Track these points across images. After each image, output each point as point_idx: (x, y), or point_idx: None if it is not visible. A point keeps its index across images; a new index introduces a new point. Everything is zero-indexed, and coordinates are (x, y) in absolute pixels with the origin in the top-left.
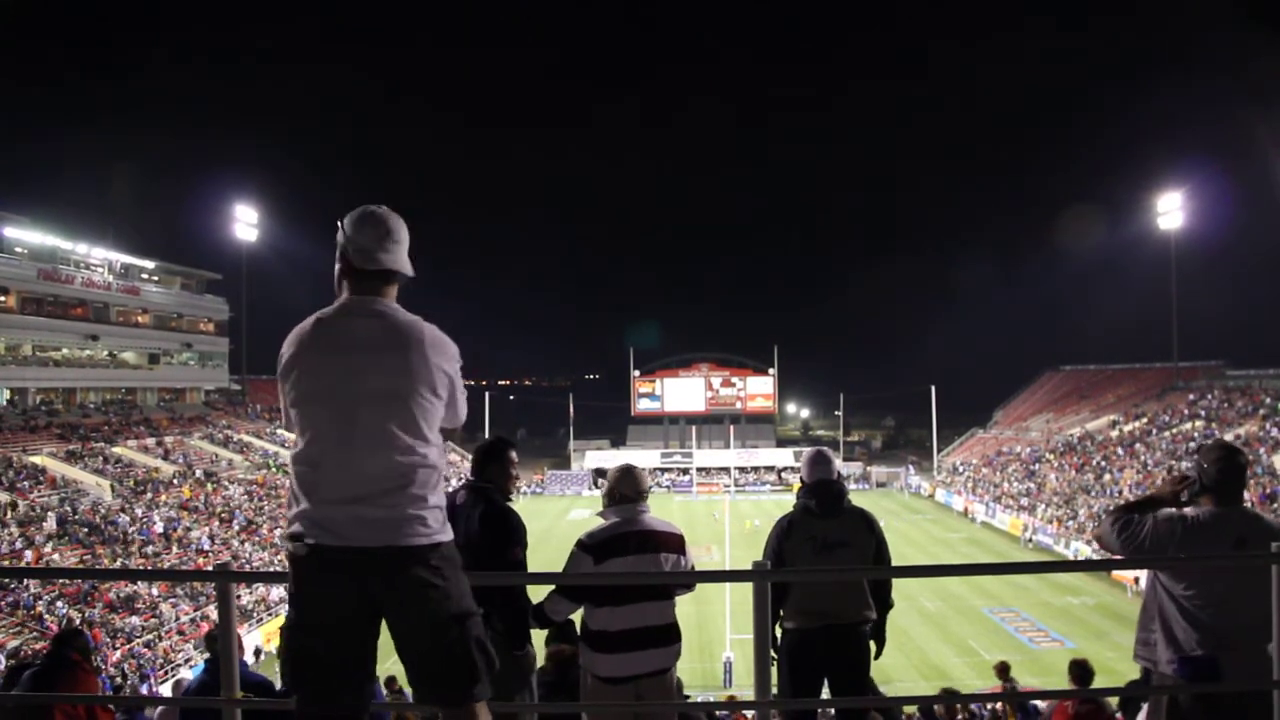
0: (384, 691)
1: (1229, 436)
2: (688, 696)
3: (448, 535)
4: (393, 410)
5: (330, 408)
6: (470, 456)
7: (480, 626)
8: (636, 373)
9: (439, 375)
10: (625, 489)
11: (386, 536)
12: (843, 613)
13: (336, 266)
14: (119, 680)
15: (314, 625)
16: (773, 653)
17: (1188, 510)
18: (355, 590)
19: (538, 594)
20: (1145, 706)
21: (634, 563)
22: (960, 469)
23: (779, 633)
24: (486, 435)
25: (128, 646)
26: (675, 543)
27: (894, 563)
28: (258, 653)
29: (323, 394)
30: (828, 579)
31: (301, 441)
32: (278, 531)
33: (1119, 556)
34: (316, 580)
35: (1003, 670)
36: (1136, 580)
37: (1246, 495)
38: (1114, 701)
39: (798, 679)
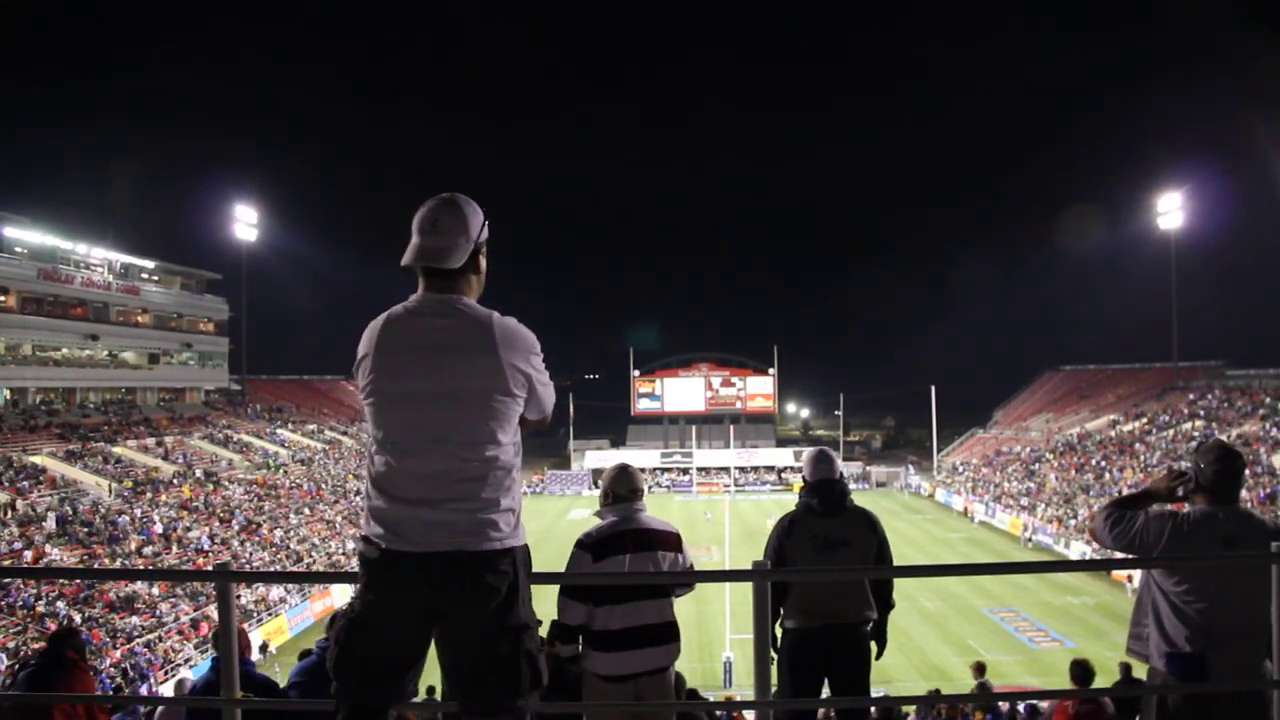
0: None
1: (1229, 436)
2: (696, 694)
3: (519, 539)
4: (464, 412)
5: (400, 408)
6: None
7: (535, 640)
8: (636, 373)
9: (513, 375)
10: (620, 488)
11: (459, 541)
12: (844, 612)
13: None
14: (119, 681)
15: (375, 624)
16: (773, 652)
17: (1180, 508)
18: (422, 595)
19: (539, 592)
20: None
21: (632, 561)
22: (960, 469)
23: (779, 632)
24: None
25: (128, 646)
26: (672, 541)
27: (894, 563)
28: (264, 648)
29: (392, 394)
30: (828, 579)
31: (375, 439)
32: (278, 532)
33: (1111, 550)
34: (384, 581)
35: (979, 669)
36: (1130, 578)
37: (1246, 495)
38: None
39: (798, 679)
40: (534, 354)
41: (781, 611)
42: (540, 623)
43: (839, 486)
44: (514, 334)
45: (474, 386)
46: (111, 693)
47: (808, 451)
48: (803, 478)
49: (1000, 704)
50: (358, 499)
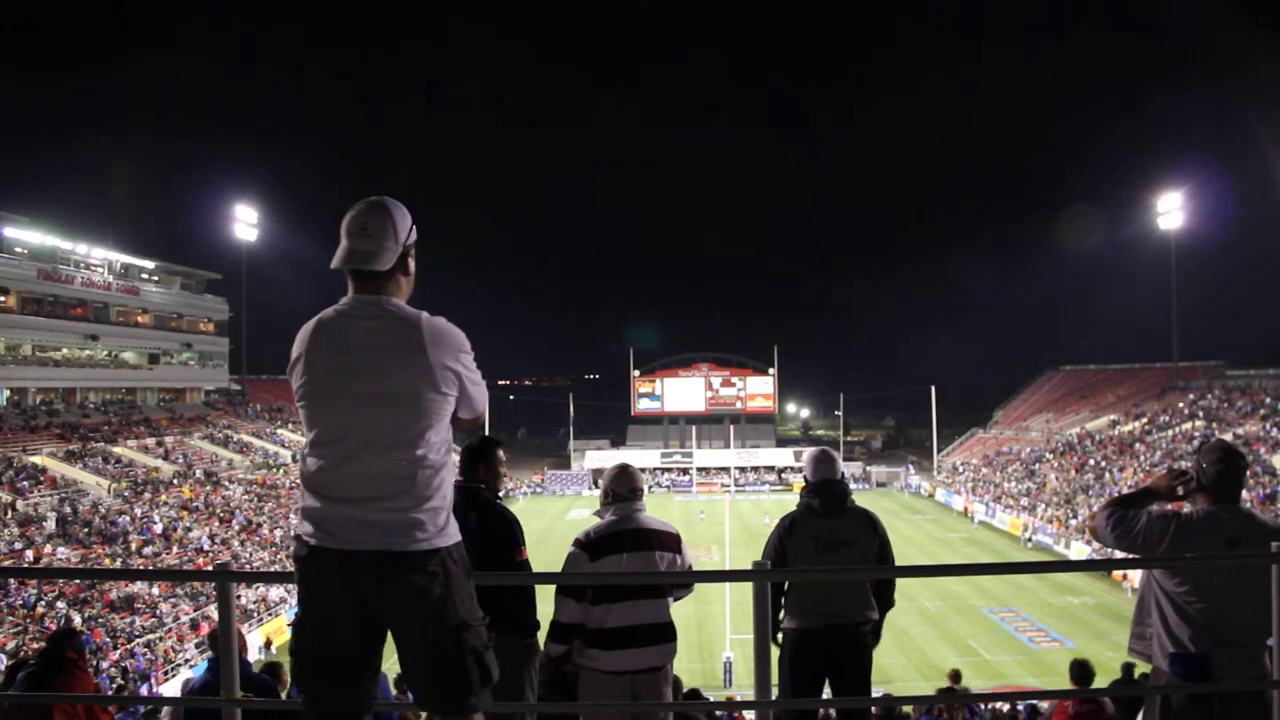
0: (393, 691)
1: (1229, 437)
2: (697, 694)
3: (450, 539)
4: (395, 412)
5: (331, 409)
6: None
7: (480, 637)
8: (636, 373)
9: (443, 374)
10: (619, 488)
11: (384, 540)
12: (845, 613)
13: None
14: (121, 681)
15: (316, 625)
16: (774, 643)
17: (1182, 508)
18: (353, 592)
19: (540, 591)
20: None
21: (629, 560)
22: (960, 469)
23: (782, 625)
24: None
25: (128, 646)
26: (671, 541)
27: (895, 563)
28: (269, 644)
29: (324, 395)
30: (828, 579)
31: (308, 440)
32: (278, 532)
33: (1111, 548)
34: (317, 581)
35: (954, 677)
36: (1124, 576)
37: (1246, 495)
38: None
39: (799, 679)
40: (464, 352)
41: (782, 610)
42: (487, 619)
43: (840, 487)
44: (443, 333)
45: (404, 386)
46: (112, 693)
47: (809, 451)
48: (804, 478)
49: (1000, 704)
50: None
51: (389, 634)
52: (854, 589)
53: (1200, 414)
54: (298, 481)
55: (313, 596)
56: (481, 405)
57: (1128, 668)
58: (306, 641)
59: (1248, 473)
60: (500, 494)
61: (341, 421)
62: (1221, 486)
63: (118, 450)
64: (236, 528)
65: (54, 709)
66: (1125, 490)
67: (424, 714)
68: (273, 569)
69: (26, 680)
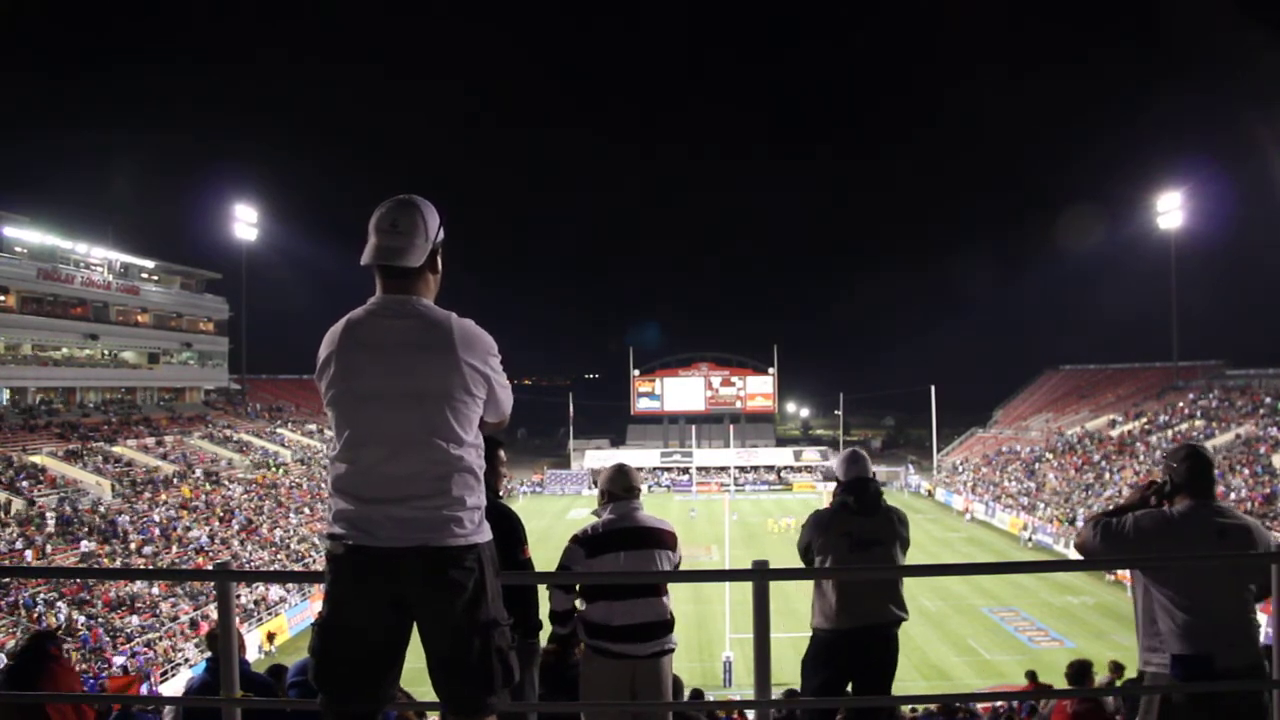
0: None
1: (1229, 436)
2: (700, 694)
3: (484, 536)
4: (426, 412)
5: (363, 410)
6: None
7: (505, 637)
8: (636, 372)
9: (473, 375)
10: (616, 487)
11: (422, 536)
12: (876, 614)
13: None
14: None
15: (346, 624)
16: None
17: (1167, 507)
18: (389, 590)
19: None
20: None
21: (627, 558)
22: (960, 468)
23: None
24: None
25: (128, 646)
26: (668, 539)
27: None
28: (271, 637)
29: (355, 396)
30: (826, 578)
31: (339, 442)
32: (278, 531)
33: (1103, 558)
34: (352, 579)
35: (1115, 668)
36: (1124, 576)
37: (1246, 495)
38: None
39: (826, 680)
40: (492, 355)
41: (814, 610)
42: (512, 620)
43: (874, 486)
44: (472, 335)
45: (435, 386)
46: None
47: (842, 452)
48: (835, 477)
49: (999, 703)
50: None
51: (413, 634)
52: (886, 588)
53: (1200, 414)
54: (298, 481)
55: (344, 595)
56: (507, 409)
57: (1116, 666)
58: (333, 641)
59: (1247, 471)
60: (501, 493)
61: (375, 421)
62: (1194, 482)
63: (117, 450)
64: (236, 527)
65: (46, 704)
66: (1125, 492)
67: (430, 715)
68: (273, 569)
69: (8, 677)
